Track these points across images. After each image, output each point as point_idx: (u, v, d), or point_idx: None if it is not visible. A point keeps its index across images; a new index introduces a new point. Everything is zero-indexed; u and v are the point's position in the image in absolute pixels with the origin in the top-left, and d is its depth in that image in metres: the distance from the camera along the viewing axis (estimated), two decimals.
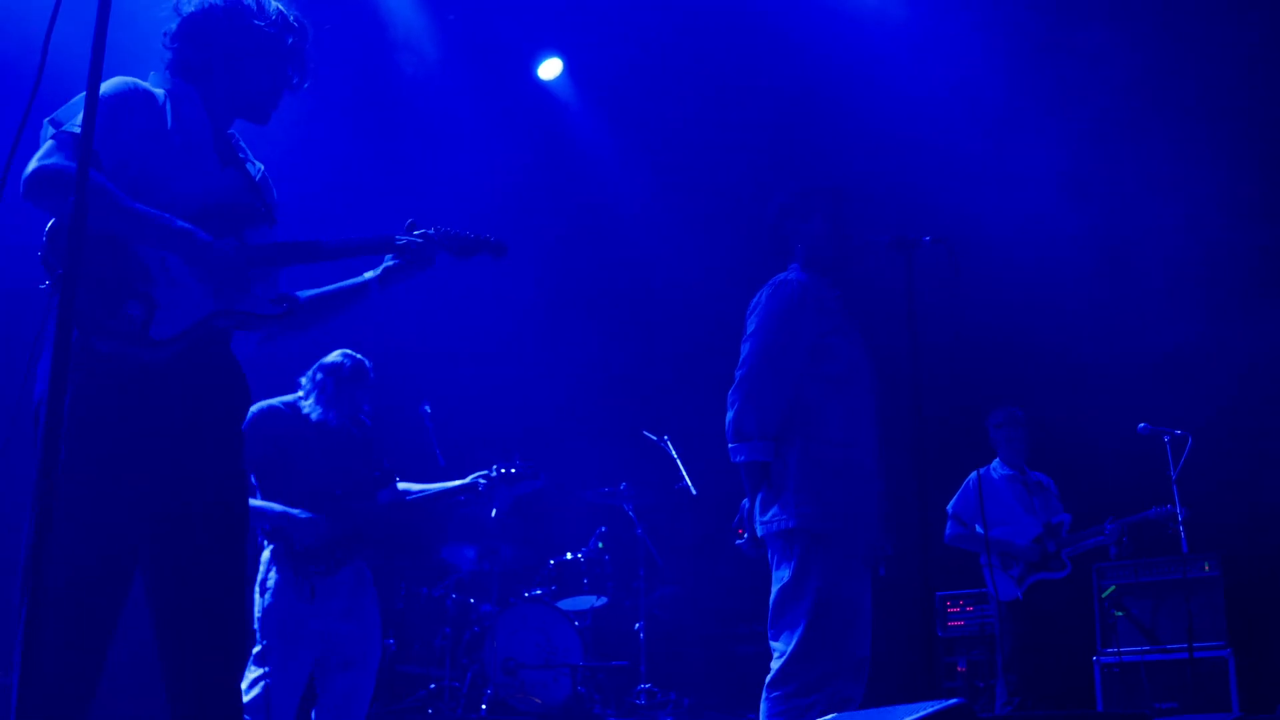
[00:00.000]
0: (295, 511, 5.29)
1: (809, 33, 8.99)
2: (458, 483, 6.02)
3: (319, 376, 5.61)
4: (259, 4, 3.48)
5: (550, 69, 9.85)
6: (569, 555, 8.80)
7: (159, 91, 3.41)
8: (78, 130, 3.09)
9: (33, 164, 3.13)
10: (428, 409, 8.19)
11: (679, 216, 10.05)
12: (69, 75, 2.98)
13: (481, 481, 5.99)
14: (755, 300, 4.61)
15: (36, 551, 2.20)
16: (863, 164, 8.89)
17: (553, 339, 10.15)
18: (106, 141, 3.17)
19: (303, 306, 3.67)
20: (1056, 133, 8.81)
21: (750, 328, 4.56)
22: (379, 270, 3.77)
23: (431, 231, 3.77)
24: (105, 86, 3.23)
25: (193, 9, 3.45)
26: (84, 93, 3.12)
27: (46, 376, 3.00)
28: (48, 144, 3.17)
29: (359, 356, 5.68)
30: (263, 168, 3.68)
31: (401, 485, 5.87)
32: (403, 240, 3.73)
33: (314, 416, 5.55)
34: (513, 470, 6.19)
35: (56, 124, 3.20)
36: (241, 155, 3.61)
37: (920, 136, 8.96)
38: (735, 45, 9.33)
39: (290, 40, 3.51)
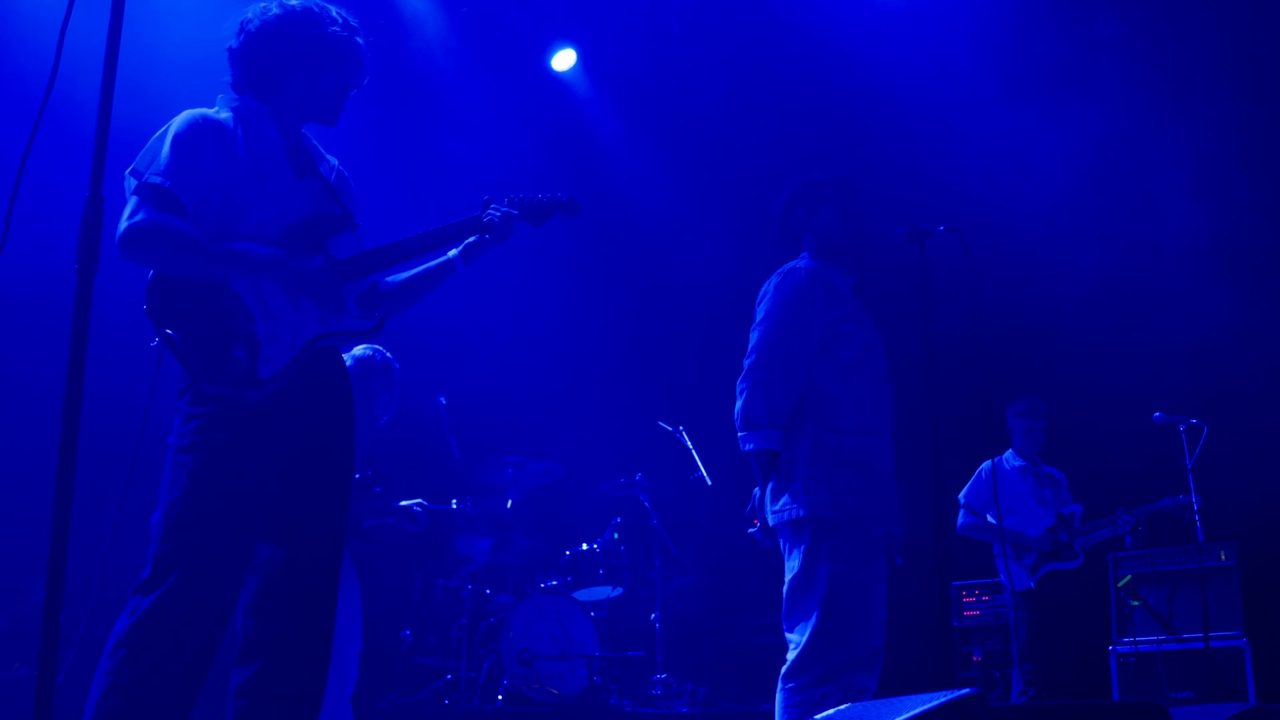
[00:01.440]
0: None
1: (822, 21, 8.98)
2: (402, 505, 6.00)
3: (349, 365, 5.63)
4: (324, 10, 3.55)
5: (564, 60, 9.85)
6: (585, 546, 8.81)
7: (226, 115, 3.46)
8: (159, 180, 3.22)
9: (123, 223, 3.21)
10: (443, 401, 8.21)
11: (693, 207, 10.06)
12: (87, 70, 3.00)
13: (418, 509, 5.96)
14: (764, 288, 4.59)
15: (57, 542, 2.22)
16: (877, 153, 8.89)
17: (568, 330, 10.16)
18: (185, 183, 3.26)
19: (392, 301, 3.82)
20: (1072, 121, 8.79)
21: (759, 315, 4.53)
22: (460, 247, 3.88)
23: (508, 205, 3.90)
24: (176, 123, 3.34)
25: (266, 21, 3.50)
26: (156, 135, 3.30)
27: (177, 429, 3.24)
28: (131, 200, 3.25)
29: (388, 354, 5.70)
30: (336, 163, 3.75)
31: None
32: (488, 217, 3.84)
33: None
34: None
35: (137, 175, 3.28)
36: (315, 156, 3.67)
37: (935, 124, 8.95)
38: (748, 34, 9.33)
39: (360, 41, 3.61)
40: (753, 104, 9.56)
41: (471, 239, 3.87)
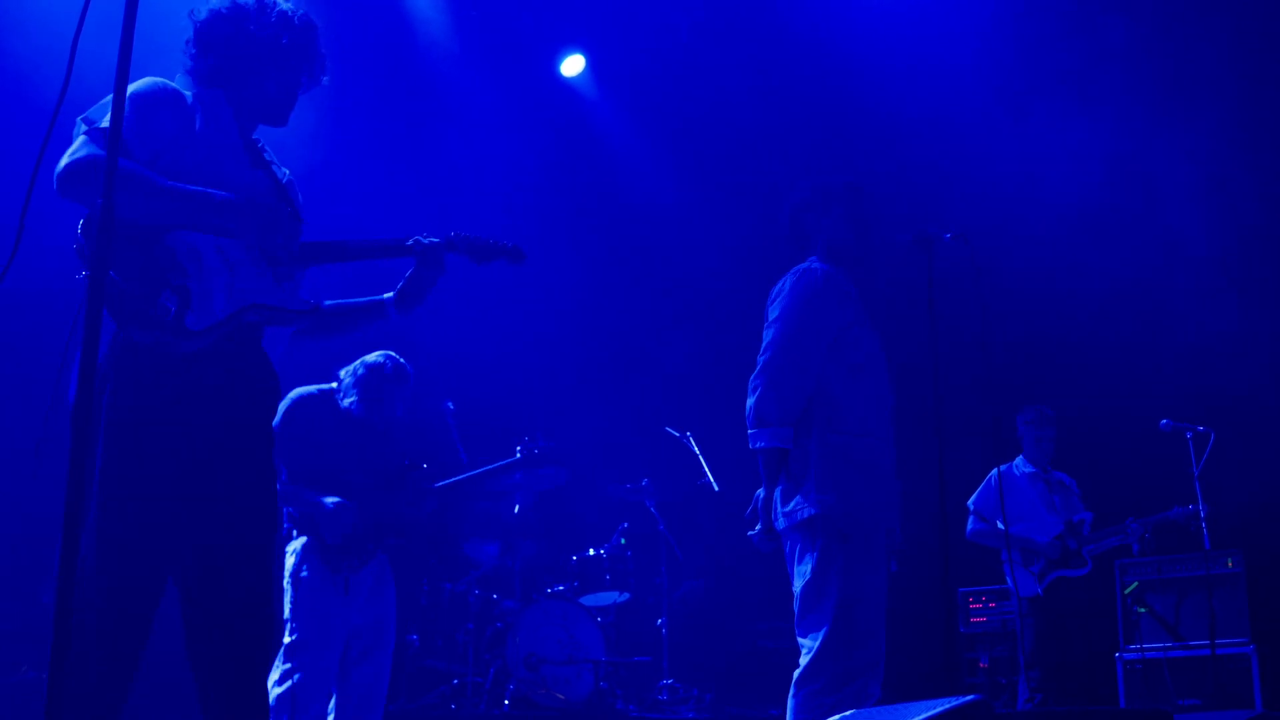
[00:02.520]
0: (325, 499, 5.33)
1: (830, 26, 8.99)
2: (488, 467, 6.06)
3: (360, 372, 5.66)
4: (259, 7, 3.48)
5: (573, 66, 9.87)
6: (592, 551, 8.81)
7: (188, 93, 3.45)
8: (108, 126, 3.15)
9: (65, 159, 3.17)
10: (451, 406, 8.23)
11: (701, 212, 10.07)
12: (96, 78, 3.01)
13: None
14: (778, 287, 4.60)
15: (68, 544, 2.22)
16: (884, 159, 8.90)
17: (575, 335, 10.17)
18: (139, 135, 3.23)
19: (325, 310, 3.73)
20: (1080, 128, 8.79)
21: (773, 314, 4.54)
22: (395, 292, 3.83)
23: (440, 239, 3.81)
24: (136, 85, 3.29)
25: (200, 18, 3.48)
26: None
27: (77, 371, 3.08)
28: (79, 139, 3.21)
29: (400, 360, 5.74)
30: (289, 173, 3.72)
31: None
32: (411, 242, 3.77)
33: (355, 412, 5.61)
34: (536, 451, 6.20)
35: (89, 121, 3.24)
36: (268, 158, 3.65)
37: (943, 130, 8.95)
38: (756, 40, 9.34)
39: (286, 40, 3.49)
40: (761, 109, 9.56)
41: (404, 280, 3.82)
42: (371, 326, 3.87)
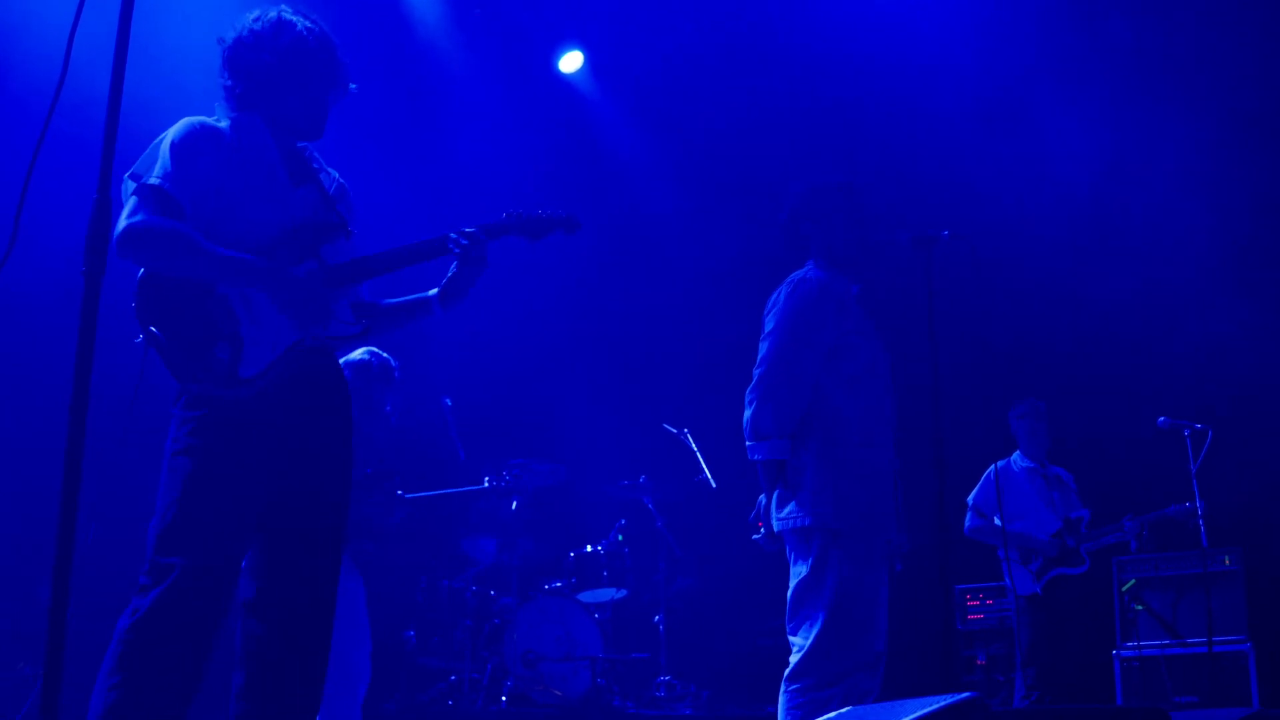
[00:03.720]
0: None
1: (830, 25, 8.98)
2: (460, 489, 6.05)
3: (346, 375, 5.64)
4: (274, 31, 3.53)
5: (571, 62, 9.86)
6: (589, 548, 8.81)
7: (224, 124, 3.52)
8: (158, 182, 3.29)
9: (122, 223, 3.27)
10: (448, 402, 8.23)
11: (699, 209, 10.06)
12: (94, 74, 3.01)
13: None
14: (773, 298, 4.59)
15: (61, 556, 2.23)
16: (884, 158, 8.90)
17: (573, 332, 10.17)
18: (182, 185, 3.32)
19: (379, 319, 3.83)
20: (1079, 127, 8.79)
21: (769, 326, 4.54)
22: (439, 289, 3.82)
23: (471, 229, 3.76)
24: (174, 130, 3.42)
25: (226, 45, 3.56)
26: (157, 140, 3.37)
27: (172, 434, 3.29)
28: (131, 201, 3.32)
29: (385, 355, 5.71)
30: (337, 175, 3.78)
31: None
32: (452, 241, 3.73)
33: None
34: (502, 485, 6.16)
35: (136, 177, 3.35)
36: (315, 166, 3.70)
37: (942, 130, 8.95)
38: (755, 36, 9.33)
39: (304, 61, 3.56)
40: (760, 107, 9.56)
41: (449, 274, 3.81)
42: (418, 324, 3.91)
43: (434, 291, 3.83)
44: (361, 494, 5.65)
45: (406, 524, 5.93)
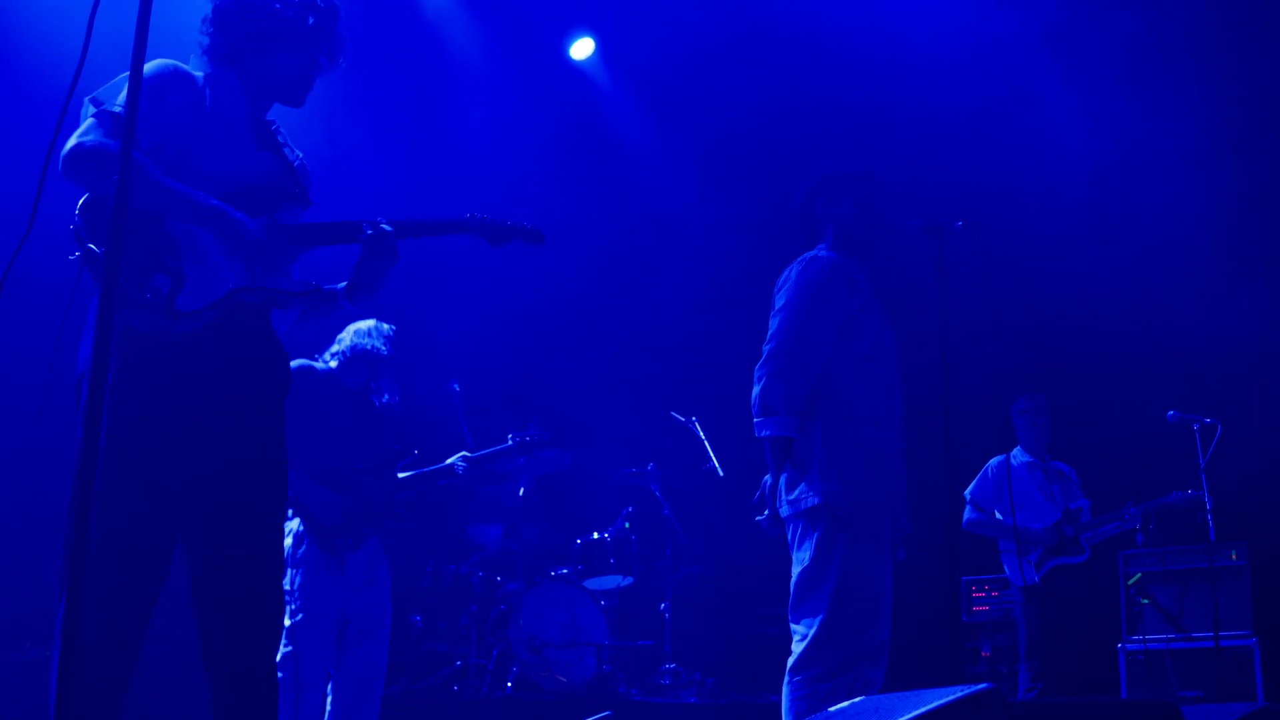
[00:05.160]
0: (314, 489, 5.37)
1: (843, 15, 8.95)
2: (439, 465, 6.09)
3: (345, 339, 5.72)
4: None
5: (582, 49, 9.84)
6: (595, 535, 8.82)
7: (199, 75, 3.46)
8: (118, 109, 3.17)
9: (72, 141, 3.18)
10: (456, 387, 8.23)
11: (709, 196, 10.04)
12: (107, 57, 3.01)
13: (460, 465, 6.04)
14: (784, 276, 4.58)
15: (79, 527, 2.22)
16: (896, 148, 8.86)
17: (581, 319, 10.16)
18: (146, 121, 3.21)
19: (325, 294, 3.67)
20: (1091, 119, 8.77)
21: (779, 303, 4.53)
22: (346, 282, 3.67)
23: (387, 226, 3.55)
24: (147, 68, 3.27)
25: None
26: (125, 73, 3.23)
27: (88, 352, 3.08)
28: (88, 121, 3.23)
29: (385, 327, 5.78)
30: (302, 155, 3.71)
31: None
32: (367, 227, 3.55)
33: (343, 380, 5.67)
34: (528, 438, 6.23)
35: (97, 103, 3.25)
36: (280, 140, 3.65)
37: (955, 120, 8.93)
38: (766, 24, 9.30)
39: (312, 20, 3.52)
40: (771, 95, 9.53)
41: (352, 273, 3.65)
42: (324, 319, 3.80)
43: (341, 285, 3.68)
44: (384, 473, 5.69)
45: (416, 505, 5.95)
